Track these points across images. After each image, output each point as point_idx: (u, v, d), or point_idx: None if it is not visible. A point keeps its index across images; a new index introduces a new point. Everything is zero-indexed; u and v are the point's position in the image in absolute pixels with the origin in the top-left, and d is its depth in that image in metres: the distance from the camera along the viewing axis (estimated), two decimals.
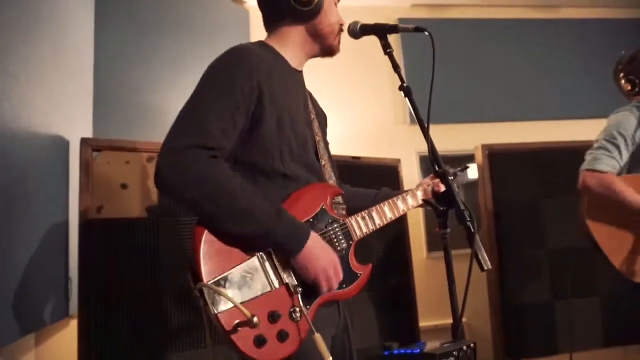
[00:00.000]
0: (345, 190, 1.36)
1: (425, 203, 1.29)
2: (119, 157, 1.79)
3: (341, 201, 1.29)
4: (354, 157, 2.53)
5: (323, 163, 1.27)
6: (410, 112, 3.74)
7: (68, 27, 1.95)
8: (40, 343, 1.85)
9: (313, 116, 1.31)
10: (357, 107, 3.47)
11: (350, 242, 1.20)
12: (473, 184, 2.62)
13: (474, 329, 3.16)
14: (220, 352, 1.13)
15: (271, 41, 1.27)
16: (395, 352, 0.98)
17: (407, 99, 1.15)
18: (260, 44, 1.25)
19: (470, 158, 2.67)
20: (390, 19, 3.53)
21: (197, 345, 1.79)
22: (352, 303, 2.27)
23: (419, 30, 1.13)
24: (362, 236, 1.23)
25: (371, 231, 1.25)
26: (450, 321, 1.04)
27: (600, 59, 2.36)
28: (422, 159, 3.43)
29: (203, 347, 1.76)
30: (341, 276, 1.13)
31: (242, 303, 0.98)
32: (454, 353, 0.91)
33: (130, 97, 2.47)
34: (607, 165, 1.84)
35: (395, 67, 1.19)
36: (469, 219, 1.00)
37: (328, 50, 1.29)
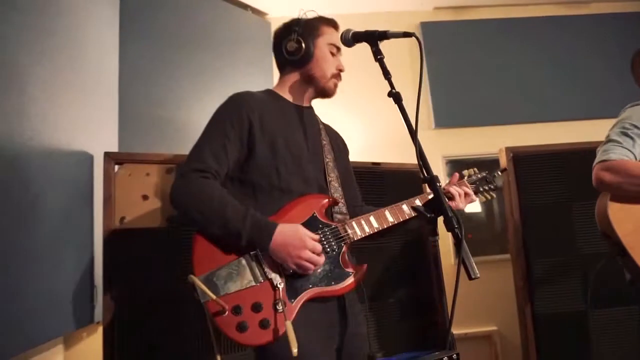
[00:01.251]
0: (366, 211, 1.45)
1: (413, 210, 1.29)
2: (140, 169, 1.87)
3: (344, 210, 1.37)
4: (373, 163, 2.51)
5: (330, 180, 1.39)
6: (435, 116, 3.70)
7: (91, 46, 2.05)
8: (69, 347, 1.95)
9: (325, 142, 1.46)
10: (379, 112, 3.44)
11: (342, 244, 1.30)
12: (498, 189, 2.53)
13: (505, 337, 3.05)
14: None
15: (275, 87, 1.51)
16: None
17: (397, 105, 1.16)
18: (265, 90, 1.49)
19: (495, 161, 2.59)
20: (412, 24, 3.48)
21: (220, 351, 1.82)
22: (380, 310, 2.28)
23: (407, 35, 1.14)
24: (355, 238, 1.31)
25: (367, 234, 1.33)
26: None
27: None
28: (449, 163, 3.36)
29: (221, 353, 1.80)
30: (320, 248, 1.24)
31: (227, 294, 1.17)
32: None
33: (155, 111, 2.55)
34: (617, 154, 1.67)
35: (386, 74, 1.21)
36: (456, 226, 0.99)
37: (321, 91, 1.47)
